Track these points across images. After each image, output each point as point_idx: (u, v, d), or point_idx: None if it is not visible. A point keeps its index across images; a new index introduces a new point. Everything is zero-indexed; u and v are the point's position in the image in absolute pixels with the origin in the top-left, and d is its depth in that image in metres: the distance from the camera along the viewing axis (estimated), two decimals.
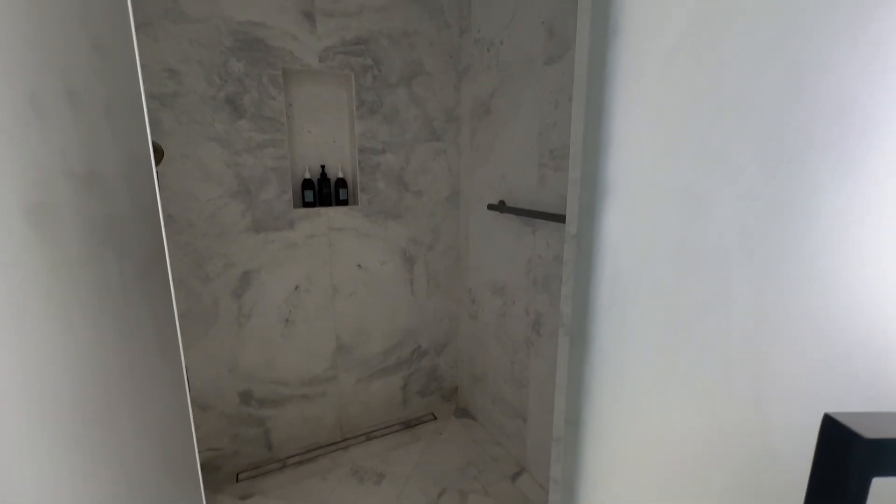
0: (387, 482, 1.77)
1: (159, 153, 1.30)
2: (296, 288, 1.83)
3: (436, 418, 2.21)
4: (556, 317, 1.55)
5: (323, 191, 1.84)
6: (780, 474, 0.53)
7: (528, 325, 1.71)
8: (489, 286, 1.97)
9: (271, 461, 1.89)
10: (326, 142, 1.87)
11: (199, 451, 1.76)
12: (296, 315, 1.85)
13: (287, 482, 1.77)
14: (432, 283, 2.14)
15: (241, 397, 1.81)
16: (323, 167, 1.84)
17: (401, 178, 1.96)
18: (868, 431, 0.27)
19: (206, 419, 1.76)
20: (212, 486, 1.75)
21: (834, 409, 0.42)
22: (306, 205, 1.82)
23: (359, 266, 1.95)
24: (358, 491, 1.73)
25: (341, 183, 1.87)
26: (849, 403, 0.47)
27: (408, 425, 2.15)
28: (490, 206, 1.79)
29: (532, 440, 1.77)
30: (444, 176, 2.06)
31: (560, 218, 1.41)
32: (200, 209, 1.60)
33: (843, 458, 0.28)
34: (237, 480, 1.78)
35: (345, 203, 1.89)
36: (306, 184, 1.80)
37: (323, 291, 1.89)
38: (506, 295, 1.85)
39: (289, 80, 1.72)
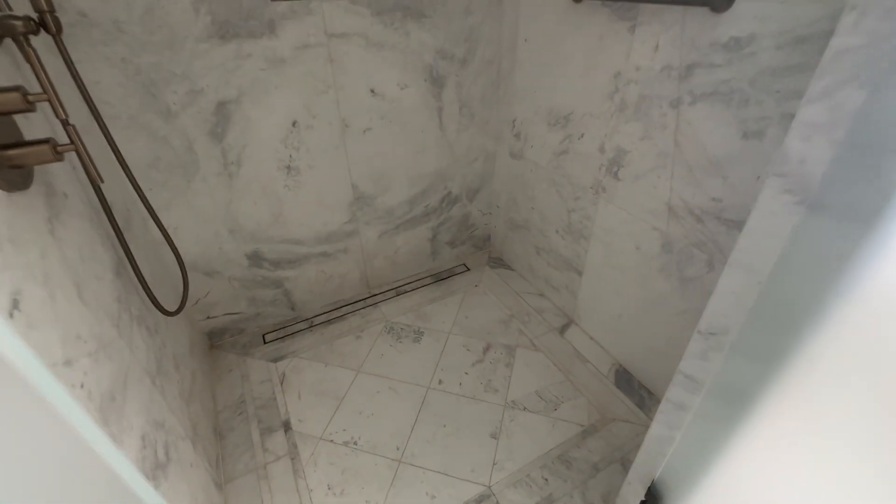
0: (427, 338, 1.65)
1: None
2: (293, 124, 1.38)
3: (468, 269, 2.02)
4: (647, 158, 1.17)
5: None
6: None
7: (602, 165, 1.33)
8: (543, 115, 1.51)
9: (297, 321, 1.74)
10: None
11: (217, 316, 1.58)
12: (299, 160, 1.44)
13: (318, 342, 1.64)
14: (465, 112, 1.67)
15: (251, 259, 1.54)
16: None
17: None
18: None
19: (215, 285, 1.53)
20: (238, 348, 1.62)
21: None
22: None
23: (372, 92, 1.45)
24: (397, 348, 1.61)
25: None
26: None
27: (439, 278, 1.96)
28: None
29: (585, 293, 1.59)
30: None
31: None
32: (127, 0, 1.03)
33: None
34: (265, 342, 1.65)
35: None
36: None
37: (329, 127, 1.44)
38: (570, 126, 1.41)
39: None
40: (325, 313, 1.78)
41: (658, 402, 1.35)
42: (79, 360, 0.65)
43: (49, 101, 0.61)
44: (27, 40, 0.74)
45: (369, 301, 1.84)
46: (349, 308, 1.80)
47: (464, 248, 2.06)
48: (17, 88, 0.59)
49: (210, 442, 1.22)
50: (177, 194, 1.31)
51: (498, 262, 2.04)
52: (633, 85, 1.15)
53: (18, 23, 0.72)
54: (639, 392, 1.40)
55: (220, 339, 1.65)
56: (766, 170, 0.91)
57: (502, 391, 1.43)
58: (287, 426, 1.34)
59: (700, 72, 0.98)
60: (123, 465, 0.67)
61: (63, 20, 0.99)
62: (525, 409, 1.37)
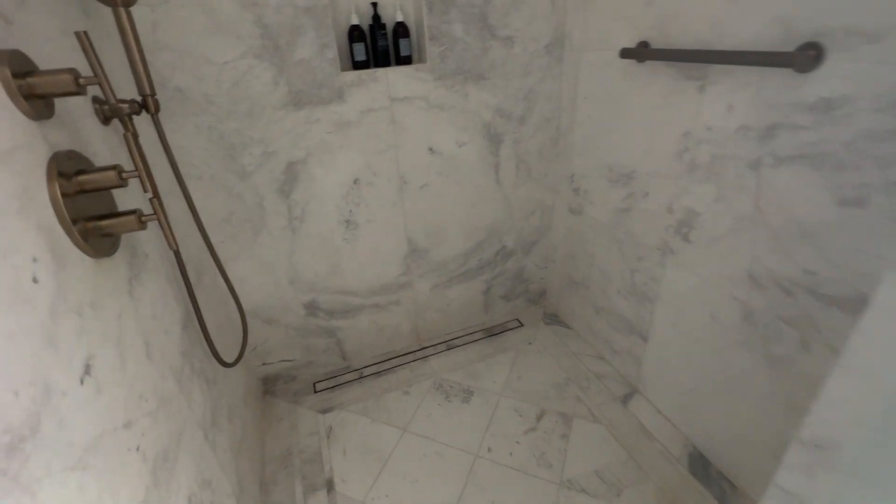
0: (476, 399, 1.57)
1: None
2: (355, 181, 1.44)
3: (522, 325, 1.94)
4: (722, 221, 1.07)
5: (378, 43, 1.31)
6: None
7: (670, 226, 1.24)
8: (604, 171, 1.47)
9: (347, 371, 1.74)
10: None
11: (273, 363, 1.61)
12: (358, 215, 1.49)
13: (367, 395, 1.62)
14: (522, 168, 1.66)
15: (307, 308, 1.58)
16: (375, 5, 1.28)
17: (484, 17, 1.36)
18: None
19: (273, 332, 1.57)
20: (290, 396, 1.64)
21: None
22: (357, 65, 1.31)
23: (430, 150, 1.49)
24: (445, 408, 1.55)
25: (402, 30, 1.32)
26: None
27: (491, 333, 1.90)
28: (625, 53, 1.19)
29: (652, 360, 1.45)
30: (544, 12, 1.43)
31: (770, 59, 0.83)
32: (217, 77, 1.16)
33: None
34: (315, 391, 1.66)
35: (408, 61, 1.36)
36: (355, 33, 1.27)
37: (388, 184, 1.48)
38: (632, 184, 1.35)
39: None
40: (375, 364, 1.77)
41: (744, 498, 1.16)
42: (138, 420, 0.67)
43: (140, 177, 0.67)
44: (130, 119, 0.83)
45: (419, 354, 1.80)
46: (399, 360, 1.78)
47: (518, 302, 2.00)
48: (114, 167, 0.66)
49: (254, 498, 1.21)
50: (245, 246, 1.39)
51: (553, 319, 1.95)
52: (704, 145, 1.08)
53: (125, 105, 0.81)
54: (718, 483, 1.22)
55: (274, 386, 1.68)
56: (886, 257, 0.79)
57: (557, 466, 1.31)
58: (330, 485, 1.31)
59: (783, 133, 0.90)
60: None
61: (163, 96, 1.12)
62: (583, 490, 1.24)
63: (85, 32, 0.62)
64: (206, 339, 1.02)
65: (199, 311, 1.00)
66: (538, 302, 2.04)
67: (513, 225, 1.77)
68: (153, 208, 0.70)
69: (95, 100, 0.79)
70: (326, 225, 1.46)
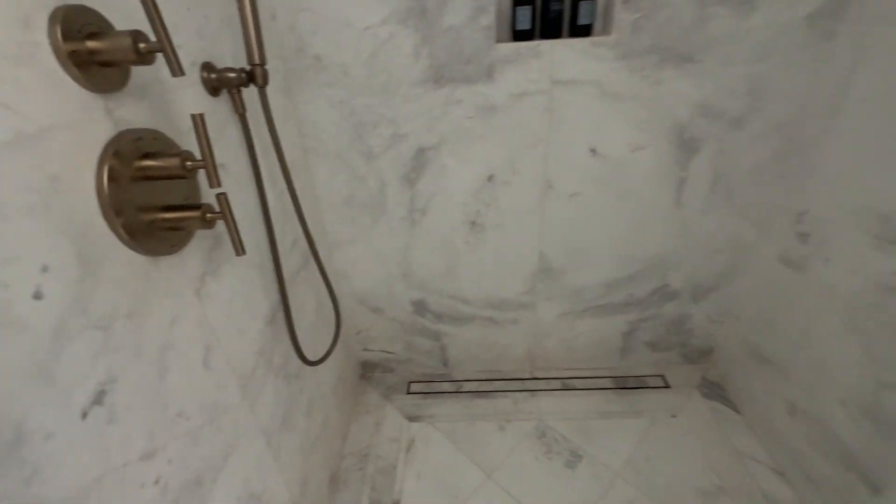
0: (584, 469, 1.26)
1: None
2: (489, 178, 1.20)
3: (668, 386, 1.50)
4: None
5: (550, 7, 1.01)
6: None
7: None
8: (870, 220, 0.93)
9: (446, 379, 1.59)
10: None
11: (374, 351, 1.55)
12: (486, 217, 1.26)
13: (460, 414, 1.44)
14: (720, 189, 1.20)
15: (415, 307, 1.45)
16: None
17: None
18: None
19: (378, 322, 1.49)
20: (383, 389, 1.57)
21: None
22: (517, 36, 1.04)
23: (592, 151, 1.15)
24: (543, 465, 1.28)
25: None
26: None
27: (623, 384, 1.52)
28: None
29: None
30: None
31: None
32: (356, 44, 1.02)
33: None
34: (408, 391, 1.55)
35: (585, 32, 1.03)
36: None
37: (529, 186, 1.21)
38: None
39: None
40: (476, 381, 1.57)
41: None
42: (167, 446, 0.59)
43: (205, 168, 0.55)
44: (238, 92, 0.73)
45: (528, 384, 1.54)
46: (504, 384, 1.55)
47: (668, 355, 1.55)
48: (178, 154, 0.55)
49: (321, 496, 1.16)
50: (361, 232, 1.29)
51: (715, 392, 1.46)
52: None
53: (233, 75, 0.71)
54: None
55: (371, 372, 1.63)
56: None
57: None
58: None
59: None
60: None
61: (299, 64, 1.03)
62: None
63: None
64: (292, 336, 0.94)
65: (288, 305, 0.92)
66: (697, 362, 1.56)
67: (686, 260, 1.33)
68: (219, 205, 0.58)
69: (205, 66, 0.70)
70: (449, 223, 1.27)
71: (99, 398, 0.48)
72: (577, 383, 1.53)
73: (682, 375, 1.53)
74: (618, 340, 1.52)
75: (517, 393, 1.51)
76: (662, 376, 1.53)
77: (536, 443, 1.34)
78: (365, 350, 1.58)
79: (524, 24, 1.02)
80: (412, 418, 1.45)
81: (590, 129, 1.12)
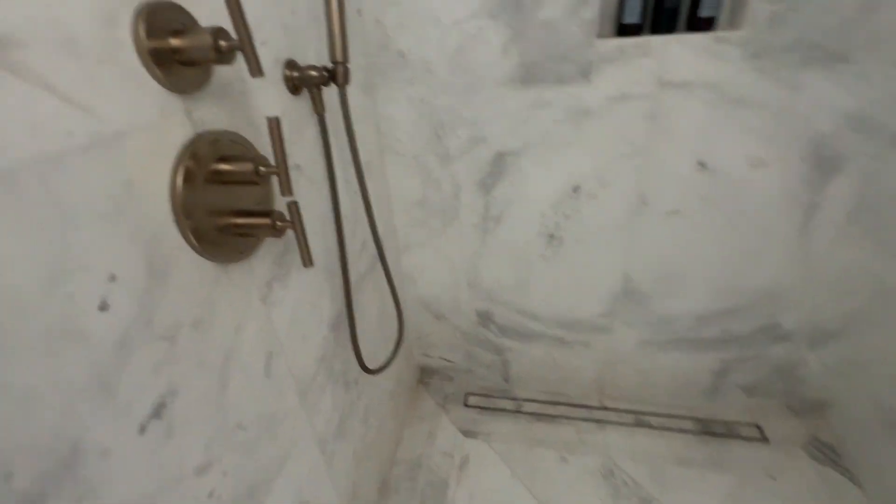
0: None
1: None
2: (574, 189, 1.08)
3: (765, 439, 1.29)
4: None
5: (664, 1, 0.87)
6: None
7: None
8: None
9: (506, 395, 1.50)
10: None
11: (433, 357, 1.50)
12: (566, 230, 1.15)
13: (518, 436, 1.35)
14: (860, 217, 0.98)
15: (480, 317, 1.38)
16: None
17: None
18: None
19: (440, 328, 1.44)
20: (441, 397, 1.51)
21: None
22: (623, 30, 0.92)
23: (701, 165, 0.99)
24: None
25: None
26: None
27: (708, 429, 1.33)
28: None
29: None
30: None
31: None
32: (441, 40, 0.95)
33: None
34: (466, 403, 1.49)
35: (707, 25, 0.88)
36: None
37: (619, 201, 1.08)
38: None
39: None
40: (538, 402, 1.47)
41: None
42: (223, 458, 0.57)
43: (278, 175, 0.51)
44: (319, 91, 0.70)
45: (596, 414, 1.41)
46: (568, 410, 1.43)
47: (768, 403, 1.34)
48: (252, 159, 0.51)
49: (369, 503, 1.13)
50: (431, 236, 1.24)
51: (828, 456, 1.23)
52: None
53: (315, 73, 0.67)
54: None
55: (430, 378, 1.59)
56: None
57: None
58: None
59: None
60: None
61: (383, 60, 0.99)
62: None
63: None
64: (354, 344, 0.91)
65: (353, 311, 0.89)
66: (806, 417, 1.32)
67: (806, 299, 1.12)
68: (290, 214, 0.54)
69: (288, 64, 0.67)
70: (524, 234, 1.18)
71: (158, 412, 0.47)
72: (653, 420, 1.37)
73: (784, 429, 1.30)
74: (706, 379, 1.33)
75: (582, 422, 1.39)
76: (759, 426, 1.32)
77: (602, 482, 1.21)
78: (424, 355, 1.53)
79: (633, 16, 0.90)
80: (468, 433, 1.38)
81: (700, 139, 0.97)
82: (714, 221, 1.06)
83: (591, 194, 1.08)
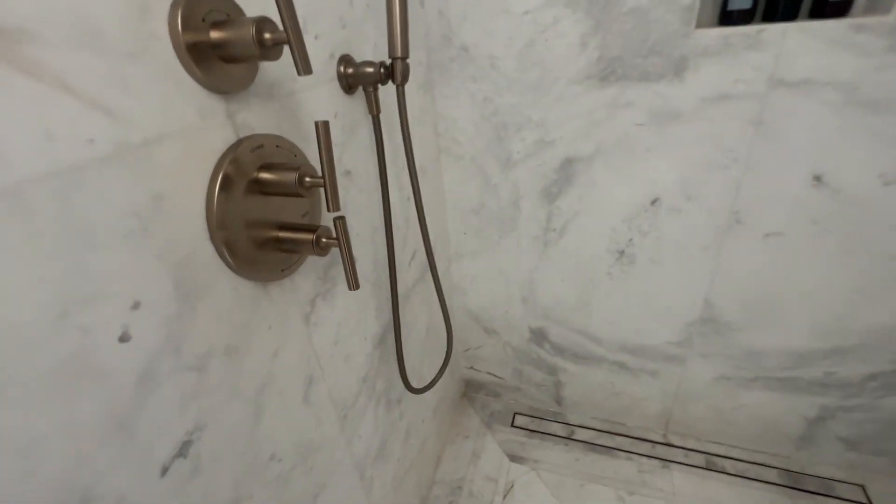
0: None
1: None
2: (653, 202, 0.95)
3: (869, 502, 1.09)
4: None
5: None
6: None
7: None
8: None
9: (558, 419, 1.39)
10: None
11: (480, 372, 1.42)
12: (640, 247, 1.02)
13: (569, 468, 1.24)
14: None
15: (533, 334, 1.27)
16: None
17: None
18: None
19: (489, 342, 1.35)
20: (486, 415, 1.43)
21: None
22: (728, 18, 0.77)
23: (816, 179, 0.83)
24: None
25: None
26: None
27: (795, 483, 1.15)
28: None
29: None
30: None
31: None
32: (510, 33, 0.86)
33: None
34: (513, 424, 1.39)
35: (840, 11, 0.72)
36: None
37: (707, 217, 0.93)
38: None
39: None
40: (593, 430, 1.34)
41: None
42: (253, 494, 0.52)
43: (324, 188, 0.45)
44: (375, 90, 0.63)
45: (659, 451, 1.26)
46: (628, 443, 1.30)
47: (875, 462, 1.13)
48: (296, 169, 0.45)
49: None
50: (486, 246, 1.15)
51: None
52: None
53: (371, 70, 0.61)
54: None
55: (475, 392, 1.51)
56: None
57: None
58: None
59: None
60: None
61: (444, 55, 0.91)
62: None
63: None
64: (399, 361, 0.85)
65: (399, 326, 0.82)
66: None
67: None
68: (335, 231, 0.48)
69: (343, 60, 0.61)
70: (590, 249, 1.06)
71: (183, 450, 0.42)
72: (728, 465, 1.20)
73: (894, 493, 1.10)
74: (798, 425, 1.15)
75: (644, 458, 1.25)
76: (863, 487, 1.12)
77: None
78: (471, 368, 1.45)
79: (742, 1, 0.75)
80: (514, 458, 1.29)
81: (818, 149, 0.80)
82: (825, 246, 0.89)
83: (674, 208, 0.94)
